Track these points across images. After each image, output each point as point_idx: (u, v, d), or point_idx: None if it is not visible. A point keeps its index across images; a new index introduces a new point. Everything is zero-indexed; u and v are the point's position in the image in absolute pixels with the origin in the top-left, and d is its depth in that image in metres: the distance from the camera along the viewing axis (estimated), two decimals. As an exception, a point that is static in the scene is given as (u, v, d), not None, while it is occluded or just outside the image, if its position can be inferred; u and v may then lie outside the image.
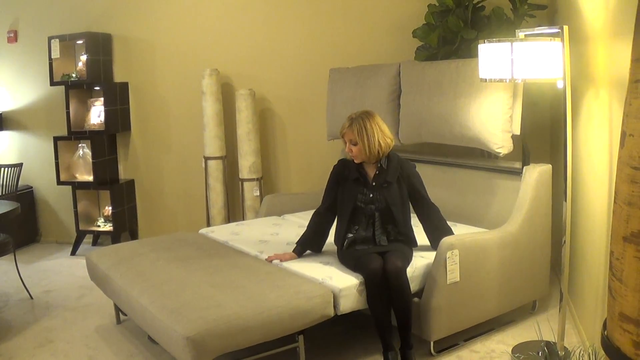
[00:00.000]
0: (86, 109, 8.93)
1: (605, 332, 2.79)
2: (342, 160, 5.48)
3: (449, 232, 5.36)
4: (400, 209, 5.26)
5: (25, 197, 9.17)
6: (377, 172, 5.24)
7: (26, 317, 6.35)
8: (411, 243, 5.34)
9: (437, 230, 5.39)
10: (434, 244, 5.32)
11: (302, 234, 5.51)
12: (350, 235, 5.25)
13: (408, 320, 4.99)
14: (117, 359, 5.44)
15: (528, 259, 5.66)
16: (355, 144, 5.15)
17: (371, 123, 5.12)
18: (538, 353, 4.50)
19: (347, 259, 5.18)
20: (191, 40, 8.55)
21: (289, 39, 8.11)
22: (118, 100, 8.75)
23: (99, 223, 9.04)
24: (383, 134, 5.15)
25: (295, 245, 5.47)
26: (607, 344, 2.73)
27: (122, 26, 8.84)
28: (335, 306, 4.82)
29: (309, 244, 5.49)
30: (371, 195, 5.23)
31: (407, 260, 5.10)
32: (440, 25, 6.56)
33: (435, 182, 6.29)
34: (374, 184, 5.23)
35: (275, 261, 5.37)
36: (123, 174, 9.22)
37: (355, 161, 5.24)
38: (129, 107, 8.98)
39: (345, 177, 5.32)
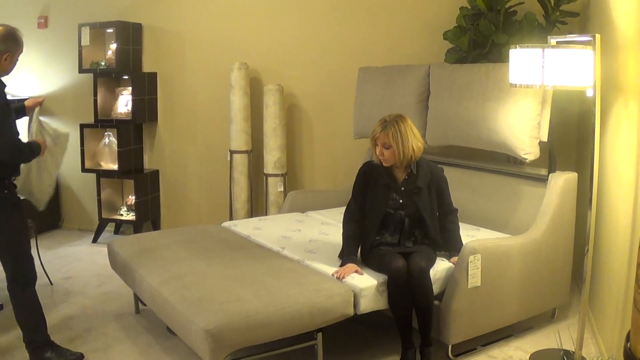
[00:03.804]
0: (114, 97, 8.96)
1: (628, 345, 2.78)
2: (369, 162, 5.37)
3: (460, 244, 5.29)
4: (430, 215, 5.22)
5: (50, 183, 9.19)
6: (407, 177, 5.18)
7: (45, 303, 6.32)
8: (436, 247, 5.29)
9: (449, 241, 5.36)
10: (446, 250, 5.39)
11: (343, 246, 5.29)
12: (377, 238, 5.21)
13: (429, 320, 4.99)
14: (135, 349, 5.47)
15: (550, 266, 5.63)
16: (388, 148, 5.04)
17: (405, 127, 5.04)
18: (556, 362, 4.50)
19: (371, 259, 5.15)
20: (221, 33, 8.57)
21: (319, 36, 8.11)
22: (146, 90, 8.78)
23: (121, 212, 9.08)
24: (416, 139, 5.07)
25: (343, 258, 5.23)
26: (630, 357, 2.71)
27: (152, 16, 8.87)
28: (355, 305, 4.81)
29: (355, 254, 5.26)
30: (401, 201, 5.17)
31: (431, 261, 5.09)
32: (472, 28, 6.55)
33: (460, 185, 6.27)
34: (402, 189, 5.18)
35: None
36: (148, 163, 9.25)
37: (385, 164, 5.14)
38: (156, 98, 9.01)
39: (374, 181, 5.24)
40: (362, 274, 5.00)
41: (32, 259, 5.17)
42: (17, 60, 5.00)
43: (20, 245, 5.08)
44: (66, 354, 5.20)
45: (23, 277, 5.08)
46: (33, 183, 5.37)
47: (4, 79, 4.90)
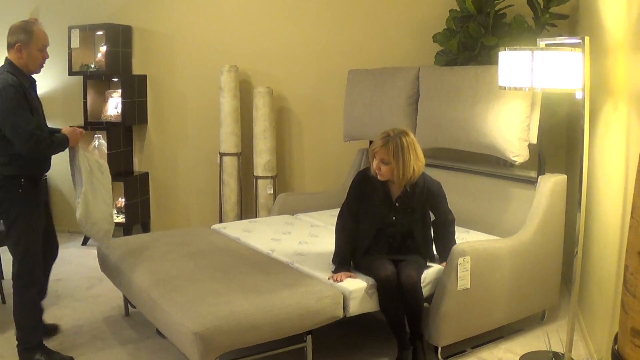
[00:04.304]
0: (103, 99, 8.96)
1: (616, 347, 2.78)
2: (364, 172, 5.21)
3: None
4: (422, 232, 5.18)
5: (39, 185, 9.17)
6: (402, 195, 5.07)
7: (35, 305, 6.37)
8: (427, 257, 5.26)
9: (442, 248, 5.31)
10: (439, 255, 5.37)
11: (337, 252, 5.22)
12: (369, 245, 5.14)
13: (419, 320, 5.04)
14: (124, 351, 5.46)
15: (539, 268, 5.64)
16: (386, 164, 4.89)
17: (408, 144, 4.88)
18: (546, 363, 4.50)
19: (361, 264, 5.13)
20: (211, 35, 8.57)
21: (309, 38, 8.12)
22: (136, 93, 8.78)
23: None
24: (417, 159, 4.92)
25: (337, 266, 5.13)
26: (618, 358, 2.72)
27: (142, 18, 8.87)
28: (344, 308, 4.82)
29: (349, 260, 5.18)
30: (394, 218, 5.09)
31: (421, 269, 5.07)
32: (461, 30, 6.56)
33: (450, 187, 6.24)
34: (397, 204, 5.09)
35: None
36: (138, 166, 9.24)
37: (380, 179, 5.00)
38: (146, 100, 9.00)
39: (369, 193, 5.12)
40: (355, 279, 4.98)
41: (39, 262, 5.19)
42: (42, 56, 5.18)
43: (28, 245, 5.11)
44: (56, 357, 5.20)
45: (28, 276, 5.10)
46: (95, 214, 5.40)
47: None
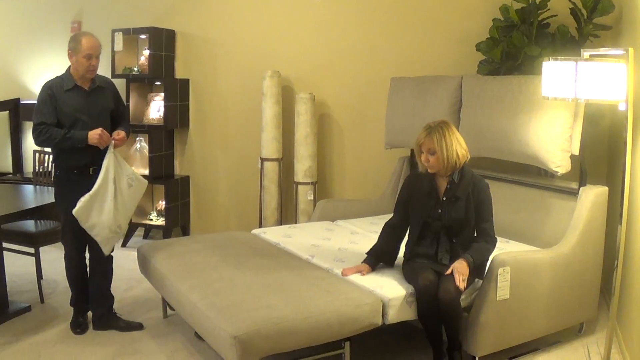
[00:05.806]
0: (146, 103, 9.03)
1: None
2: (413, 173, 5.33)
3: (476, 257, 5.03)
4: (467, 226, 5.08)
5: (81, 187, 9.24)
6: (448, 187, 5.07)
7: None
8: (475, 267, 5.03)
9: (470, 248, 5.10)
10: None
11: (373, 245, 5.34)
12: (415, 248, 5.15)
13: (457, 332, 5.01)
14: (162, 353, 5.50)
15: (578, 280, 5.60)
16: (433, 153, 4.95)
17: (449, 132, 4.95)
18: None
19: (406, 269, 5.13)
20: (254, 41, 8.61)
21: (352, 45, 8.11)
22: (178, 96, 8.83)
23: (151, 217, 9.13)
24: (460, 145, 4.98)
25: (366, 256, 5.30)
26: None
27: (186, 23, 8.93)
28: (383, 315, 4.81)
29: (381, 256, 5.29)
30: (439, 210, 5.07)
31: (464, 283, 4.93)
32: (504, 40, 6.54)
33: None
34: (444, 199, 5.07)
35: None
36: (179, 169, 9.31)
37: (430, 171, 5.06)
38: (188, 104, 9.07)
39: (417, 190, 5.16)
40: (364, 275, 5.12)
41: (72, 248, 5.84)
42: (88, 63, 5.51)
43: (63, 227, 5.91)
44: (83, 326, 5.92)
45: (66, 256, 5.91)
46: (94, 218, 5.61)
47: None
